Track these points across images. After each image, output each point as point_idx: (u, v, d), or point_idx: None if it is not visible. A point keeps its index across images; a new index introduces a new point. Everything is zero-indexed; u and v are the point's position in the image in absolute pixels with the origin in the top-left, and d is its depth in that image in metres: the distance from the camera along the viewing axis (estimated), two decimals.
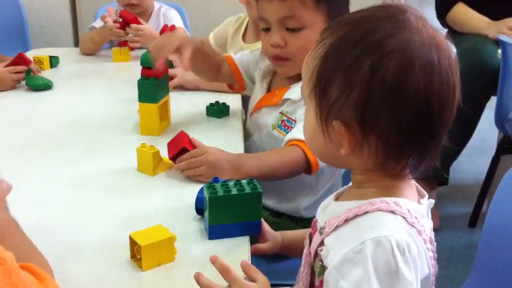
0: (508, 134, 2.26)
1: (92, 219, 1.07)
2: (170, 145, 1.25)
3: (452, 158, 2.35)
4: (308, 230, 0.91)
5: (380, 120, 0.74)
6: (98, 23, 2.31)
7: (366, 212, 0.76)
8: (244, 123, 1.56)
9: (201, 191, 1.05)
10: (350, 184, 0.87)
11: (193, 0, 3.12)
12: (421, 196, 0.84)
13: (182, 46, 1.34)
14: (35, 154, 1.33)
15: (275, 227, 1.10)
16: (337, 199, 0.87)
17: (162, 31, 1.88)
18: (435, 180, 2.38)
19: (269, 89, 1.46)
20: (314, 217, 1.42)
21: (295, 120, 1.34)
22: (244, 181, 1.01)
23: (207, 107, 1.60)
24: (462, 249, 2.26)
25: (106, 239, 1.00)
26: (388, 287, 0.71)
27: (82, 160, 1.32)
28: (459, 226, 2.41)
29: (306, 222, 1.36)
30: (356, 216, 0.77)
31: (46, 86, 1.81)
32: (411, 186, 0.83)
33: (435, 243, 0.82)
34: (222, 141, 1.37)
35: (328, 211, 0.85)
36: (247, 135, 1.50)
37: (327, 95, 0.77)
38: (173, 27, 1.88)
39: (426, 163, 0.78)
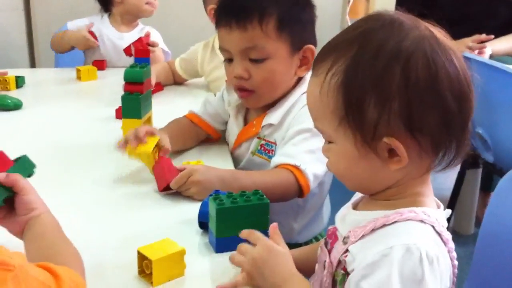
0: (473, 149, 2.32)
1: (91, 238, 1.01)
2: (156, 174, 1.20)
3: None
4: (320, 242, 0.90)
5: (427, 120, 0.73)
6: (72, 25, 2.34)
7: (395, 222, 0.75)
8: None
9: (204, 204, 1.02)
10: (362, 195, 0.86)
11: (172, 26, 3.10)
12: (437, 206, 0.84)
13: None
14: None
15: None
16: (355, 207, 0.85)
17: (135, 43, 1.84)
18: None
19: (245, 121, 1.40)
20: (310, 241, 1.40)
21: (274, 142, 1.31)
22: (249, 192, 0.99)
23: None
24: None
25: (109, 256, 0.96)
26: None
27: (77, 176, 1.29)
28: None
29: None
30: (384, 225, 0.76)
31: (15, 105, 1.74)
32: (432, 195, 0.83)
33: None
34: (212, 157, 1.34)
35: (349, 220, 0.83)
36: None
37: (365, 118, 0.74)
38: (147, 33, 1.86)
39: (463, 151, 0.78)
